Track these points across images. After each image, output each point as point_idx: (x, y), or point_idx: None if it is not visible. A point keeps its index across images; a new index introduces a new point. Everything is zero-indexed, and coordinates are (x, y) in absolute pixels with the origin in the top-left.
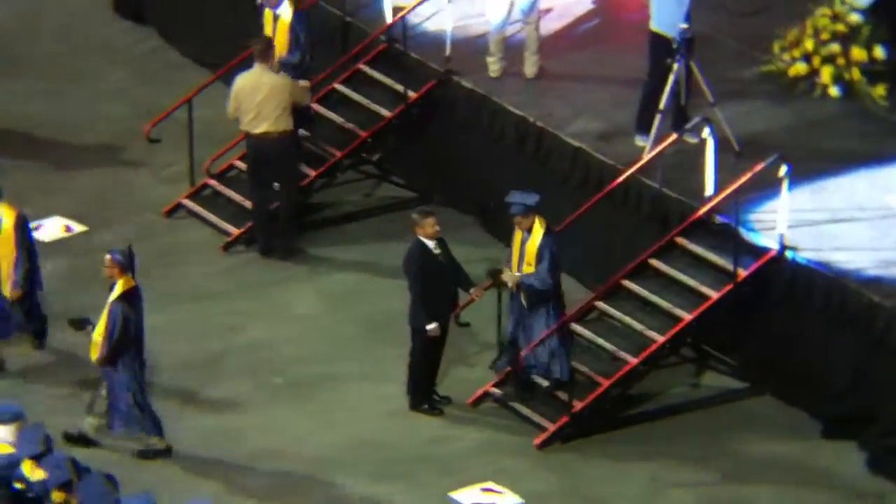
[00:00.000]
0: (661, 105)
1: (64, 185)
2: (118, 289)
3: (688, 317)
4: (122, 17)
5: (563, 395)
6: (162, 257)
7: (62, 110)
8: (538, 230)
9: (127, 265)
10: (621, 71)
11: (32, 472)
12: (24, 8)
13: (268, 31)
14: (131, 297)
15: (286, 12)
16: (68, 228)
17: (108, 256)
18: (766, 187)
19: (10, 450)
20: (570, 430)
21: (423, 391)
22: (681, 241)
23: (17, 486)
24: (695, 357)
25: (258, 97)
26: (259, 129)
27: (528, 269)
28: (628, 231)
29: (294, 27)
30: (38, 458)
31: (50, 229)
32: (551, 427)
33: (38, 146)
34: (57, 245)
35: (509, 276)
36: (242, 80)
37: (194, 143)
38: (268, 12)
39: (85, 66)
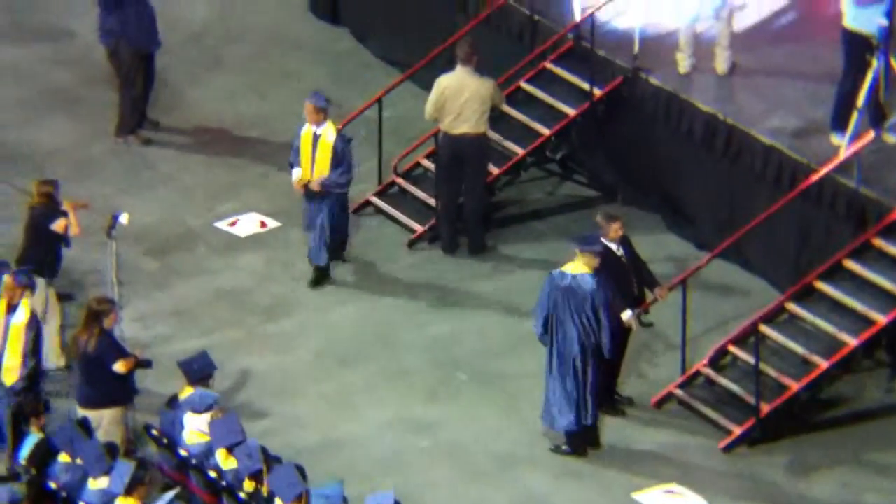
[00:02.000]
0: (860, 103)
1: (262, 182)
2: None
3: (883, 319)
4: (318, 18)
5: (749, 398)
6: (350, 252)
7: (263, 109)
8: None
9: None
10: (815, 66)
11: (226, 461)
12: (225, 9)
13: (306, 150)
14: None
15: (329, 133)
16: (264, 224)
17: (8, 279)
18: None
19: (205, 438)
20: (757, 434)
21: (605, 390)
22: (878, 242)
23: (212, 474)
24: (890, 361)
25: (461, 99)
26: (459, 129)
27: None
28: (823, 231)
29: (336, 147)
30: (231, 448)
31: (246, 225)
32: (737, 430)
33: (239, 143)
34: (252, 240)
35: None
36: (447, 81)
37: (383, 142)
38: (307, 130)
39: (285, 66)
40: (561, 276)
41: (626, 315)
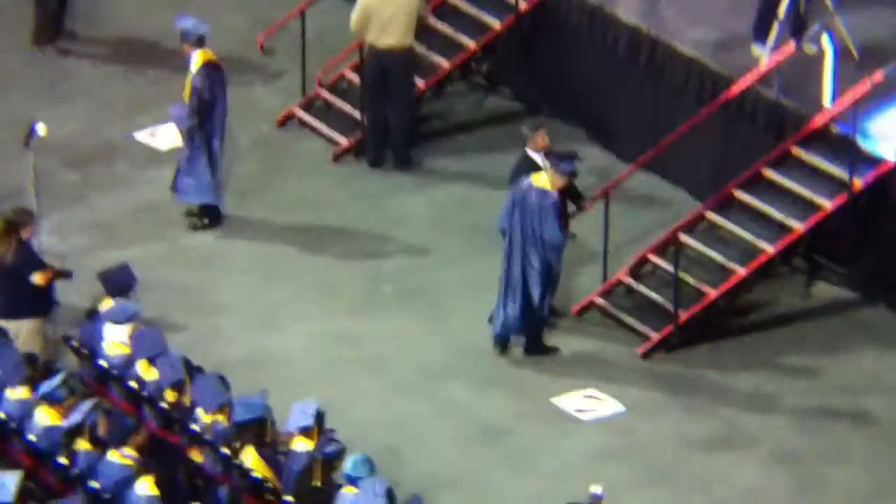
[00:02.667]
0: (781, 13)
1: (181, 95)
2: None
3: (800, 227)
4: None
5: (668, 306)
6: (274, 167)
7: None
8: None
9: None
10: None
11: (147, 371)
12: None
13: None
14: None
15: (193, 66)
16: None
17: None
18: (886, 96)
19: (125, 350)
20: (675, 340)
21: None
22: (796, 151)
23: (132, 384)
24: (807, 267)
25: (387, 12)
26: (385, 43)
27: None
28: (743, 142)
29: (194, 81)
30: (152, 359)
31: (166, 137)
32: (655, 336)
33: (158, 55)
34: (172, 153)
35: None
36: None
37: (306, 55)
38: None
39: None
40: (524, 184)
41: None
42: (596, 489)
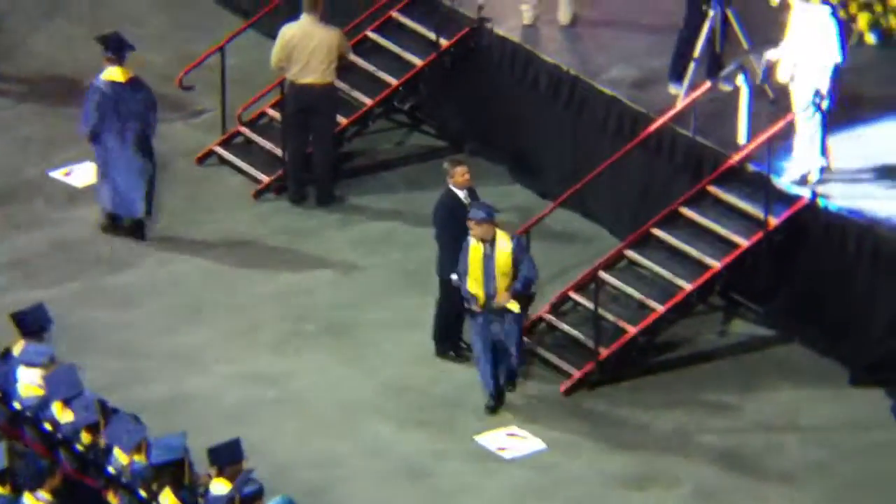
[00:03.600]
0: (696, 53)
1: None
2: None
3: (717, 265)
4: None
5: (589, 343)
6: (194, 204)
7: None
8: (503, 236)
9: None
10: (656, 18)
11: (62, 413)
12: None
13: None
14: None
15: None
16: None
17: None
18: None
19: (39, 392)
20: (597, 377)
21: (449, 338)
22: (713, 189)
23: (47, 427)
24: (724, 305)
25: (308, 48)
26: (306, 79)
27: (504, 279)
28: (661, 180)
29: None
30: (67, 400)
31: (82, 175)
32: (577, 374)
33: (77, 92)
34: (90, 190)
35: (502, 298)
36: (291, 31)
37: (227, 91)
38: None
39: (125, 12)
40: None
41: (454, 277)
42: None
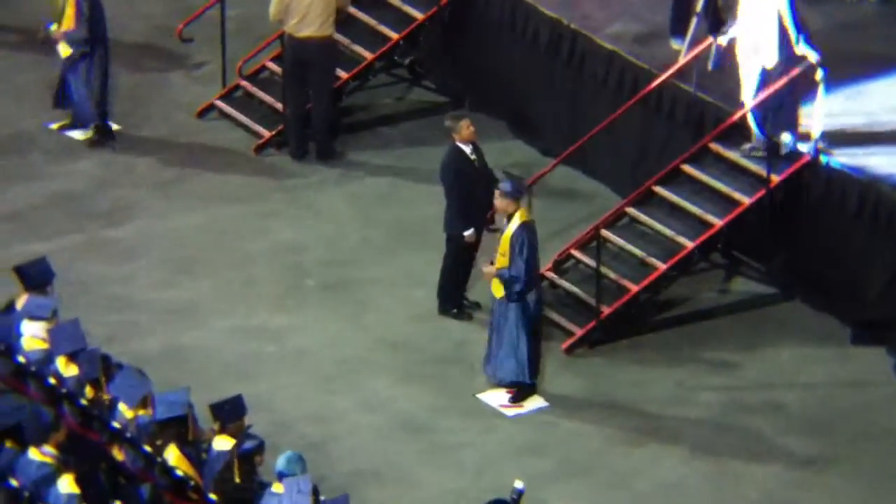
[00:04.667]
0: (698, 7)
1: None
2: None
3: (719, 223)
4: None
5: (590, 301)
6: (194, 158)
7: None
8: (517, 220)
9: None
10: None
11: (66, 367)
12: None
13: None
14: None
15: None
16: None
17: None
18: (802, 92)
19: (43, 345)
20: (598, 335)
21: (453, 296)
22: (714, 146)
23: (51, 381)
24: (725, 263)
25: (305, 1)
26: (304, 33)
27: (502, 259)
28: (663, 137)
29: (79, 2)
30: (71, 355)
31: (83, 128)
32: (578, 331)
33: None
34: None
35: (487, 269)
36: None
37: (227, 44)
38: None
39: None
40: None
41: (468, 233)
42: (519, 484)
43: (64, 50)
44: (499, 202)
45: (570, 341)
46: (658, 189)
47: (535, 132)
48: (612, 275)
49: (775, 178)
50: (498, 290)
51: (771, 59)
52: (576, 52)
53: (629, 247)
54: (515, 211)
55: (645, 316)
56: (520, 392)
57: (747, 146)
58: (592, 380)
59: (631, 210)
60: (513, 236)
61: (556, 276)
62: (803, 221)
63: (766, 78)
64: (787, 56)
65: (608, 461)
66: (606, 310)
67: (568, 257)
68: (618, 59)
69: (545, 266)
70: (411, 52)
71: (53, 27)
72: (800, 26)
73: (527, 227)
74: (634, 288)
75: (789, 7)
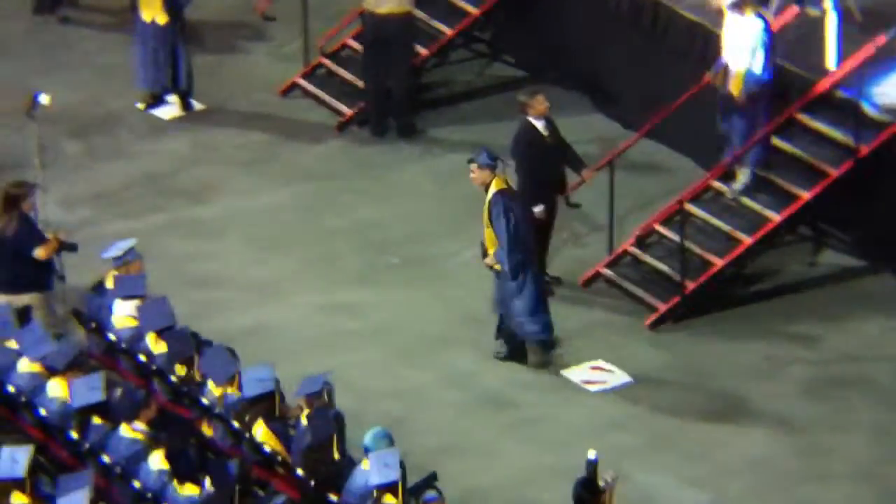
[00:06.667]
0: None
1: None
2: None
3: (806, 195)
4: None
5: (675, 276)
6: (277, 137)
7: None
8: (492, 189)
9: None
10: None
11: (156, 345)
12: None
13: None
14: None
15: None
16: (188, 107)
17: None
18: (890, 60)
19: (134, 323)
20: (682, 310)
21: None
22: (801, 117)
23: (142, 358)
24: (812, 235)
25: None
26: (383, 9)
27: (489, 233)
28: None
29: None
30: (161, 332)
31: (169, 107)
32: (662, 307)
33: None
34: (175, 123)
35: (489, 261)
36: None
37: (308, 21)
38: None
39: None
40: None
41: (537, 209)
42: (591, 454)
43: (162, 17)
44: (475, 174)
45: (654, 317)
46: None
47: (615, 105)
48: (696, 249)
49: (864, 148)
50: (497, 265)
51: (736, 86)
52: (658, 24)
53: (714, 220)
54: (490, 180)
55: (730, 290)
56: (545, 348)
57: (737, 186)
58: (677, 355)
59: (715, 183)
60: (489, 204)
61: (638, 252)
62: (892, 192)
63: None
64: (756, 83)
65: (693, 435)
66: (691, 285)
67: (651, 232)
68: (701, 29)
69: (628, 241)
70: (491, 27)
71: None
72: (769, 55)
73: (503, 194)
74: (720, 262)
75: (764, 33)
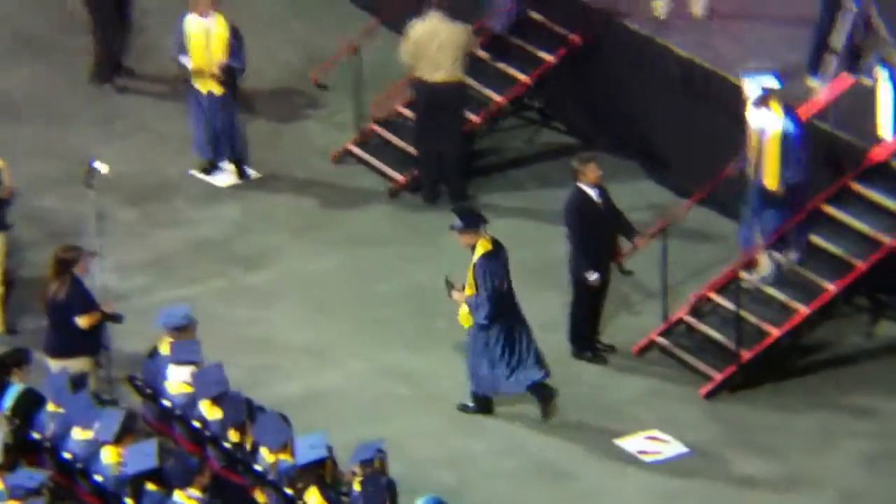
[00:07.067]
0: (836, 45)
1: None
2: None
3: (862, 265)
4: None
5: (730, 345)
6: (330, 203)
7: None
8: (479, 251)
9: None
10: (791, 10)
11: (210, 411)
12: None
13: (196, 40)
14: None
15: (222, 24)
16: (243, 174)
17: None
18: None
19: (188, 389)
20: (738, 380)
21: (586, 339)
22: (855, 186)
23: (196, 424)
24: (869, 306)
25: (435, 45)
26: (434, 77)
27: (469, 290)
28: None
29: (231, 38)
30: (215, 398)
31: (224, 174)
32: (718, 376)
33: None
34: (231, 191)
35: (457, 296)
36: (418, 28)
37: (361, 89)
38: (195, 21)
39: (263, 12)
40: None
41: (592, 277)
42: None
43: (218, 88)
44: (460, 239)
45: (709, 386)
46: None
47: (667, 172)
48: (752, 318)
49: None
50: (465, 320)
51: (772, 181)
52: (710, 91)
53: (770, 290)
54: (476, 242)
55: (787, 361)
56: (543, 397)
57: (756, 277)
58: (733, 425)
59: (773, 254)
60: (475, 267)
61: (693, 320)
62: None
63: (768, 198)
64: (792, 177)
65: None
66: (747, 354)
67: (705, 300)
68: None
69: (682, 310)
70: (541, 94)
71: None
72: (801, 151)
73: (488, 257)
74: (776, 332)
75: (796, 128)
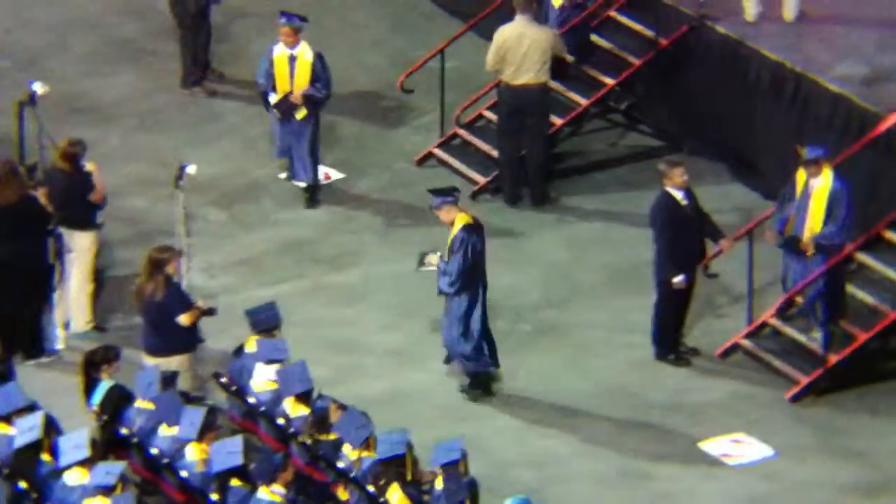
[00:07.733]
0: None
1: (325, 134)
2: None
3: None
4: None
5: (818, 349)
6: (413, 205)
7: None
8: (458, 224)
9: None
10: (884, 13)
11: (294, 408)
12: None
13: (282, 71)
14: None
15: (306, 52)
16: (328, 175)
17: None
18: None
19: (274, 386)
20: (825, 384)
21: (669, 342)
22: None
23: (280, 421)
24: None
25: (522, 49)
26: (521, 80)
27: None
28: (892, 180)
29: (315, 64)
30: (300, 396)
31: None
32: (804, 380)
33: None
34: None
35: (433, 258)
36: (506, 32)
37: (445, 93)
38: (281, 52)
39: (347, 18)
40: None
41: (677, 279)
42: None
43: (300, 112)
44: (439, 215)
45: (795, 389)
46: (888, 233)
47: (755, 175)
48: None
49: None
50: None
51: (809, 247)
52: (799, 95)
53: (858, 293)
54: (455, 216)
55: (874, 364)
56: (475, 381)
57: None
58: (820, 429)
59: (859, 255)
60: (454, 238)
61: (779, 324)
62: None
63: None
64: (830, 242)
65: None
66: (834, 358)
67: (792, 303)
68: (844, 101)
69: (768, 312)
70: (627, 97)
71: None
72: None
73: (468, 229)
74: (864, 335)
75: (846, 195)
